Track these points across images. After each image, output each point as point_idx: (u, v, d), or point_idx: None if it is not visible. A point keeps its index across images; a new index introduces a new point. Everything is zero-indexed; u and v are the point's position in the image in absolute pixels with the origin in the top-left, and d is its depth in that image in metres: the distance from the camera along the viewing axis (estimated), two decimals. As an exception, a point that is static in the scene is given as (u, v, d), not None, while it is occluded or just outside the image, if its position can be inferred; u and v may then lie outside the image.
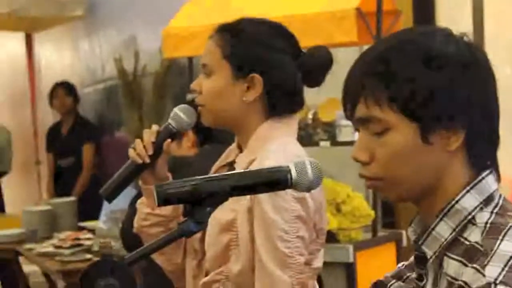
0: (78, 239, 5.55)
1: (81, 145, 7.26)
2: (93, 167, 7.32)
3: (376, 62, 1.41)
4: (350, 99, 1.43)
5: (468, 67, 1.40)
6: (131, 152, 2.16)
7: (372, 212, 4.52)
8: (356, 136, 1.47)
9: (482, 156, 1.42)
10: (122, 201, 3.55)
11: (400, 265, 1.72)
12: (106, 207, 5.07)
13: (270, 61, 2.12)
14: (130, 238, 2.41)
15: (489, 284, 1.29)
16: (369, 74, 1.41)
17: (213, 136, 2.27)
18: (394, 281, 1.68)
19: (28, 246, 5.72)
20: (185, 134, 2.87)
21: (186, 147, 3.22)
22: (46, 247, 5.52)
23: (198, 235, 2.18)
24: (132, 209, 3.15)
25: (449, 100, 1.39)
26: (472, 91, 1.39)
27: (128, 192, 2.61)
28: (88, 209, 6.45)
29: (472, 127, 1.39)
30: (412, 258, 1.60)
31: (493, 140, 1.44)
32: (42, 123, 8.36)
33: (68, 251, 5.32)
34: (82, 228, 5.97)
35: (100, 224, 5.17)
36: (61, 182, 7.36)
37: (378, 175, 1.43)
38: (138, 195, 2.94)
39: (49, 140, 7.56)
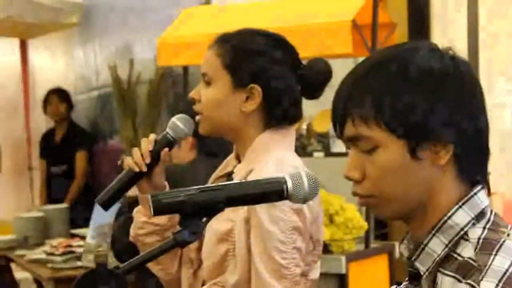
0: (70, 246, 5.54)
1: (74, 152, 7.26)
2: (86, 175, 7.31)
3: (361, 81, 1.41)
4: (338, 119, 1.43)
5: (452, 81, 1.40)
6: (128, 160, 2.15)
7: (365, 224, 4.52)
8: (350, 149, 1.48)
9: (472, 170, 1.42)
10: (109, 215, 3.54)
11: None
12: (94, 221, 5.06)
13: (269, 72, 2.13)
14: (120, 248, 2.41)
15: None
16: (354, 93, 1.41)
17: (210, 141, 2.28)
18: None
19: (19, 252, 5.70)
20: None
21: (185, 150, 3.22)
22: (38, 254, 5.51)
23: (194, 244, 2.18)
24: (123, 218, 3.16)
25: (435, 115, 1.38)
26: (458, 104, 1.39)
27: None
28: (80, 216, 6.44)
29: (460, 141, 1.39)
30: (405, 280, 1.60)
31: (483, 154, 1.43)
32: (36, 129, 8.34)
33: (60, 258, 5.30)
34: (74, 236, 5.96)
35: (88, 238, 5.16)
36: (53, 189, 7.35)
37: (370, 193, 1.43)
38: (126, 206, 2.95)
39: (42, 147, 7.56)
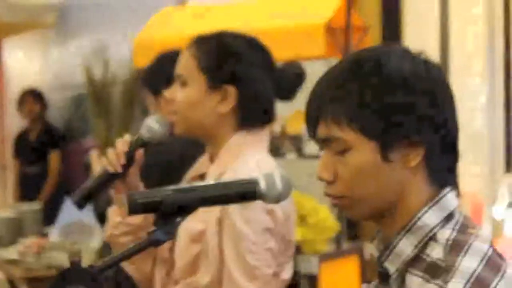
0: (44, 246, 5.51)
1: (48, 152, 7.23)
2: (59, 175, 7.28)
3: (334, 83, 1.42)
4: (311, 120, 1.44)
5: (424, 84, 1.40)
6: (103, 160, 2.16)
7: (337, 225, 4.54)
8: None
9: (441, 172, 1.43)
10: (77, 214, 3.51)
11: (364, 286, 1.73)
12: (60, 220, 5.04)
13: (244, 74, 2.13)
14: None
15: None
16: (327, 95, 1.41)
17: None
18: None
19: (-8, 252, 5.66)
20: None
21: None
22: (11, 254, 5.47)
23: (168, 245, 2.17)
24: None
25: (405, 117, 1.39)
26: (428, 107, 1.40)
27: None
28: (53, 215, 6.40)
29: (430, 143, 1.40)
30: (375, 281, 1.61)
31: (452, 156, 1.45)
32: (9, 129, 8.29)
33: (33, 259, 5.27)
34: (47, 235, 5.93)
35: (52, 236, 5.14)
36: (26, 188, 7.31)
37: (342, 194, 1.44)
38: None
39: (16, 146, 7.52)
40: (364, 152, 1.40)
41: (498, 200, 4.48)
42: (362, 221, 5.13)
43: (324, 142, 1.43)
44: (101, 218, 3.53)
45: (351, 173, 1.42)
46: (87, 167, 2.20)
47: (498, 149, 4.76)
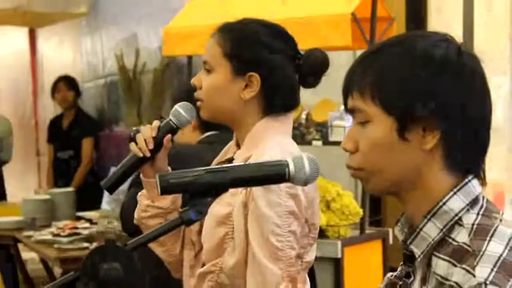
0: (76, 228, 5.57)
1: (81, 138, 7.26)
2: (91, 160, 7.32)
3: (366, 59, 1.45)
4: (343, 92, 1.47)
5: (451, 70, 1.40)
6: (132, 146, 2.16)
7: (361, 210, 4.53)
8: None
9: (462, 159, 1.42)
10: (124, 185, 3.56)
11: (389, 275, 1.73)
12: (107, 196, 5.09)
13: (268, 61, 2.13)
14: (129, 220, 2.41)
15: (479, 284, 1.30)
16: (358, 70, 1.45)
17: (211, 123, 2.30)
18: None
19: (27, 233, 5.71)
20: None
21: (188, 130, 3.23)
22: (45, 235, 5.53)
23: (196, 227, 2.19)
24: (132, 190, 3.16)
25: (426, 100, 1.39)
26: (453, 94, 1.39)
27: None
28: (86, 200, 6.46)
29: (449, 130, 1.40)
30: (400, 269, 1.61)
31: (476, 144, 1.43)
32: (43, 115, 8.35)
33: (66, 240, 5.32)
34: (79, 218, 5.98)
35: (103, 204, 5.19)
36: (60, 173, 7.35)
37: (360, 165, 1.45)
38: (136, 182, 2.96)
39: (50, 132, 7.56)
40: (382, 126, 1.42)
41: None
42: (385, 204, 5.12)
43: (351, 113, 1.47)
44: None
45: (368, 146, 1.43)
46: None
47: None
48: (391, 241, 4.75)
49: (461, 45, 1.44)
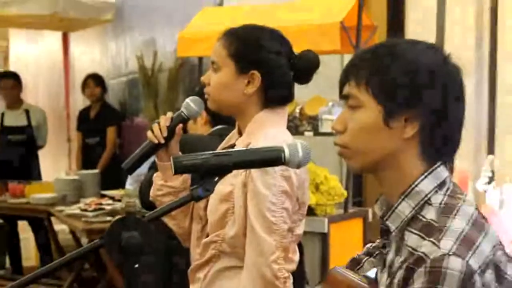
0: (101, 204, 5.57)
1: (105, 127, 7.25)
2: (115, 146, 7.31)
3: (364, 55, 1.45)
4: (341, 81, 1.48)
5: (436, 73, 1.40)
6: (149, 133, 2.16)
7: (345, 192, 4.53)
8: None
9: (434, 151, 1.42)
10: (145, 166, 3.57)
11: (368, 245, 1.73)
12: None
13: (267, 61, 2.12)
14: (147, 197, 2.41)
15: (443, 255, 1.30)
16: (356, 63, 1.45)
17: (220, 117, 2.30)
18: (366, 257, 1.70)
19: (58, 208, 5.72)
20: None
21: (200, 124, 3.24)
22: (74, 209, 5.53)
23: (203, 204, 2.19)
24: (150, 172, 3.17)
25: (410, 96, 1.39)
26: (433, 94, 1.39)
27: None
28: (109, 180, 6.46)
29: (426, 123, 1.39)
30: (378, 241, 1.61)
31: (450, 139, 1.43)
32: (74, 107, 8.34)
33: (92, 214, 5.33)
34: (103, 196, 5.99)
35: (127, 185, 5.20)
36: (87, 157, 7.35)
37: (346, 144, 1.45)
38: (154, 164, 2.95)
39: (79, 121, 7.55)
40: (370, 112, 1.42)
41: (481, 176, 4.45)
42: (366, 186, 5.12)
43: (345, 98, 1.46)
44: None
45: (356, 128, 1.43)
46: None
47: (483, 135, 4.71)
48: (370, 218, 4.74)
49: (448, 55, 1.44)
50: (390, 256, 1.45)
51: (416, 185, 1.41)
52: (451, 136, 1.43)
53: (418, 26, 5.06)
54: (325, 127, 4.63)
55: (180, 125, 2.16)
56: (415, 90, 1.39)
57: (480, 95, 4.83)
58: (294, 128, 4.80)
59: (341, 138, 1.46)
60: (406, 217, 1.41)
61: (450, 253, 1.30)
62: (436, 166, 1.42)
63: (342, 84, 1.47)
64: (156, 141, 2.15)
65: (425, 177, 1.41)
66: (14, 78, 7.33)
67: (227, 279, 2.12)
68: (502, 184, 4.30)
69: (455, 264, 1.29)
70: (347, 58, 5.26)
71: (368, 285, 1.55)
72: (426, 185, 1.41)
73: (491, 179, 4.37)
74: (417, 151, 1.42)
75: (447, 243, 1.31)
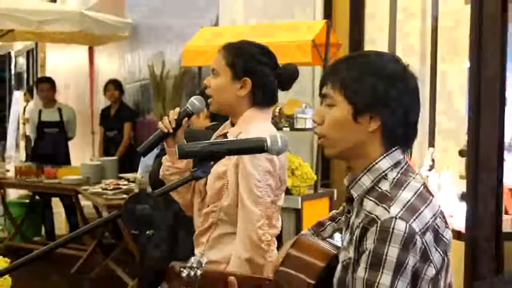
0: (118, 184, 5.56)
1: (123, 123, 7.23)
2: (130, 138, 7.29)
3: (339, 64, 1.46)
4: (321, 82, 1.48)
5: (398, 81, 1.40)
6: (160, 124, 2.17)
7: (315, 176, 4.54)
8: (308, 125, 1.49)
9: (394, 140, 1.43)
10: (151, 159, 3.57)
11: (333, 212, 1.74)
12: (142, 165, 5.07)
13: (258, 70, 2.14)
14: (155, 182, 2.42)
15: (391, 218, 1.32)
16: (334, 70, 1.45)
17: (217, 114, 2.31)
18: (329, 222, 1.71)
19: (84, 187, 5.71)
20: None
21: (202, 118, 3.25)
22: (96, 189, 5.52)
23: (203, 181, 2.19)
24: (155, 164, 3.18)
25: (373, 97, 1.40)
26: (393, 96, 1.39)
27: (154, 153, 2.58)
28: (125, 166, 6.46)
29: (387, 120, 1.40)
30: (341, 208, 1.62)
31: (405, 135, 1.44)
32: (97, 106, 8.31)
33: (111, 192, 5.32)
34: (121, 178, 5.97)
35: (138, 176, 5.18)
36: (108, 147, 7.33)
37: (323, 134, 1.46)
38: (160, 154, 2.96)
39: (101, 118, 7.52)
40: (342, 110, 1.42)
41: (424, 164, 4.48)
42: (333, 172, 5.13)
43: (323, 97, 1.46)
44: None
45: (331, 121, 1.44)
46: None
47: (425, 131, 4.74)
48: (335, 197, 4.76)
49: (407, 65, 1.45)
50: (352, 219, 1.46)
51: (376, 163, 1.42)
52: (407, 130, 1.44)
53: (373, 46, 5.08)
54: (299, 124, 4.64)
55: (186, 118, 2.17)
56: (379, 94, 1.39)
57: (423, 99, 4.86)
58: (274, 124, 4.65)
59: (320, 128, 1.46)
60: (366, 187, 1.42)
61: (397, 217, 1.32)
62: (393, 149, 1.43)
63: (321, 85, 1.48)
64: (166, 130, 2.16)
65: (384, 157, 1.42)
66: (49, 82, 7.34)
67: (225, 244, 2.13)
68: (441, 172, 4.34)
69: (400, 226, 1.30)
70: (318, 69, 5.30)
71: (335, 250, 1.55)
72: (384, 164, 1.42)
73: (431, 167, 4.41)
74: (380, 140, 1.43)
75: (395, 209, 1.33)
